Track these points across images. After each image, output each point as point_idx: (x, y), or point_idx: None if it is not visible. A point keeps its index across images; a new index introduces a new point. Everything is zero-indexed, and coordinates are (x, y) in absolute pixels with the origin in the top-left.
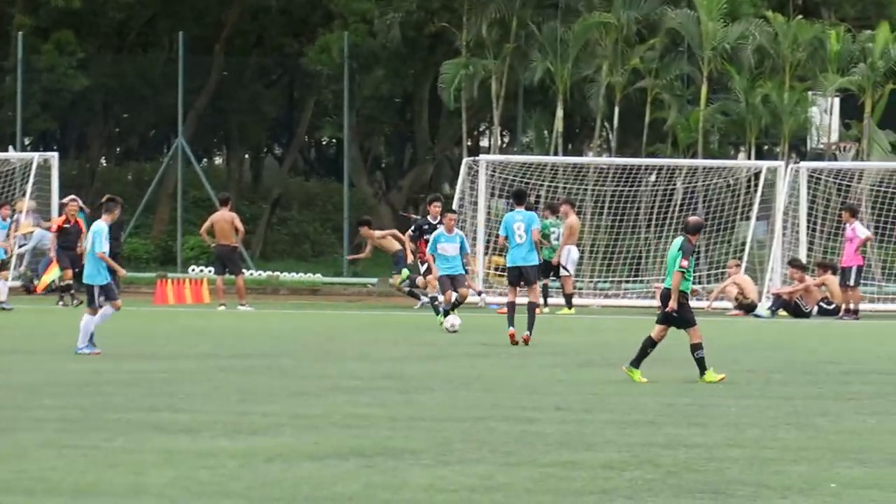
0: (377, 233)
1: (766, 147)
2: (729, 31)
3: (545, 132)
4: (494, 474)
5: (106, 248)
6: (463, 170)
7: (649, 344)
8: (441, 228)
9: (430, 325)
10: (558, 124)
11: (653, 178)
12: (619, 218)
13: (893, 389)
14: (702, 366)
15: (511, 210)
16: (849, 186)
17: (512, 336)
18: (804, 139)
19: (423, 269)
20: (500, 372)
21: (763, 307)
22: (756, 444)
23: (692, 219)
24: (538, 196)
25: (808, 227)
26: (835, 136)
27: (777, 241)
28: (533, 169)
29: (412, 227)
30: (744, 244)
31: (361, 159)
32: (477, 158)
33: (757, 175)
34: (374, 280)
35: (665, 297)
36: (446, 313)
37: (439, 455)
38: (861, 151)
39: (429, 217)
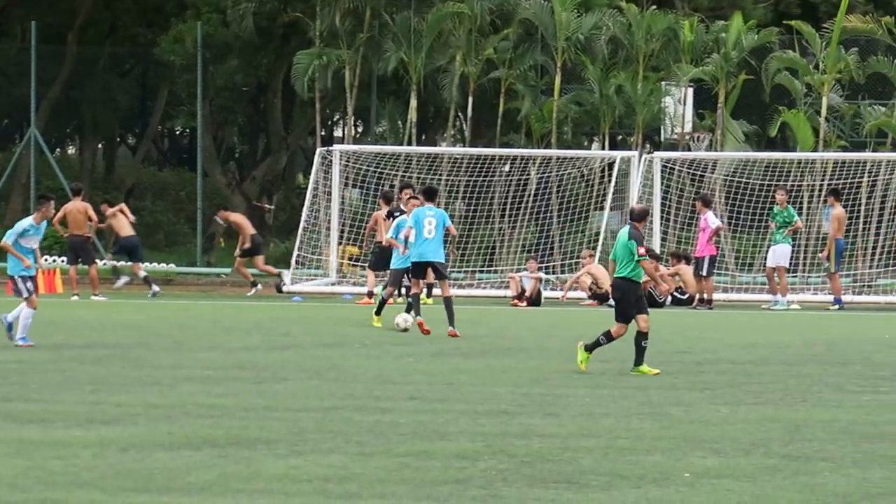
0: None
1: (619, 137)
2: (583, 22)
3: (399, 122)
4: (348, 464)
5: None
6: (317, 160)
7: (643, 338)
8: (406, 215)
9: (284, 316)
10: (412, 114)
11: (507, 168)
12: (473, 208)
13: (746, 379)
14: (640, 356)
15: (399, 205)
16: (702, 176)
17: (422, 325)
18: (658, 129)
19: None
20: (353, 362)
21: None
22: (610, 434)
23: (637, 206)
24: (391, 186)
25: (661, 217)
26: (688, 127)
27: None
28: (387, 159)
29: (386, 216)
30: (598, 234)
31: (215, 149)
32: (331, 148)
33: (611, 165)
34: (228, 270)
35: (615, 287)
36: (381, 307)
37: (293, 445)
38: (714, 141)
39: (402, 205)
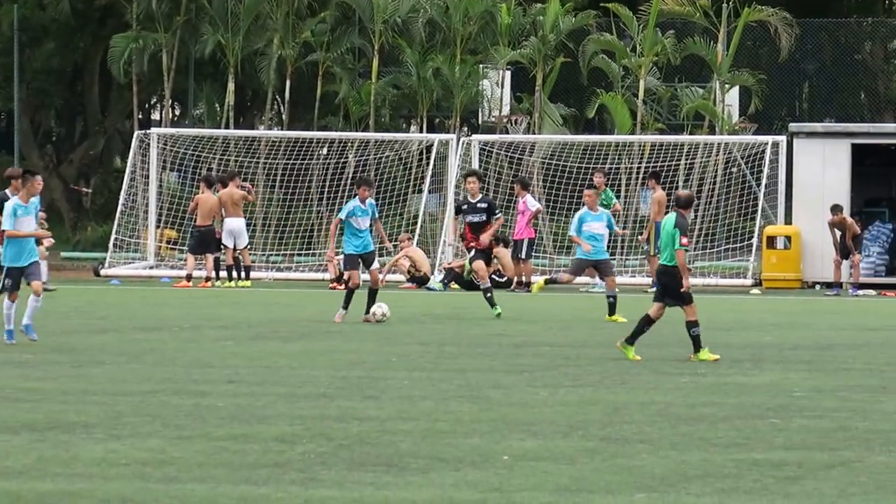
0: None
1: (437, 120)
2: (400, 5)
3: (217, 105)
4: (166, 448)
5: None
6: (134, 143)
7: (646, 322)
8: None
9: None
10: (230, 97)
11: (325, 151)
12: (291, 191)
13: (564, 362)
14: (697, 344)
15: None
16: (520, 159)
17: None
18: (476, 112)
19: (470, 254)
20: (171, 345)
21: (435, 280)
22: (429, 417)
23: (683, 192)
24: (209, 169)
25: None
26: (506, 110)
27: (449, 215)
28: (204, 142)
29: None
30: (416, 217)
31: (32, 132)
32: (148, 132)
33: (429, 148)
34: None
35: (661, 273)
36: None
37: (111, 429)
38: (532, 124)
39: (468, 196)
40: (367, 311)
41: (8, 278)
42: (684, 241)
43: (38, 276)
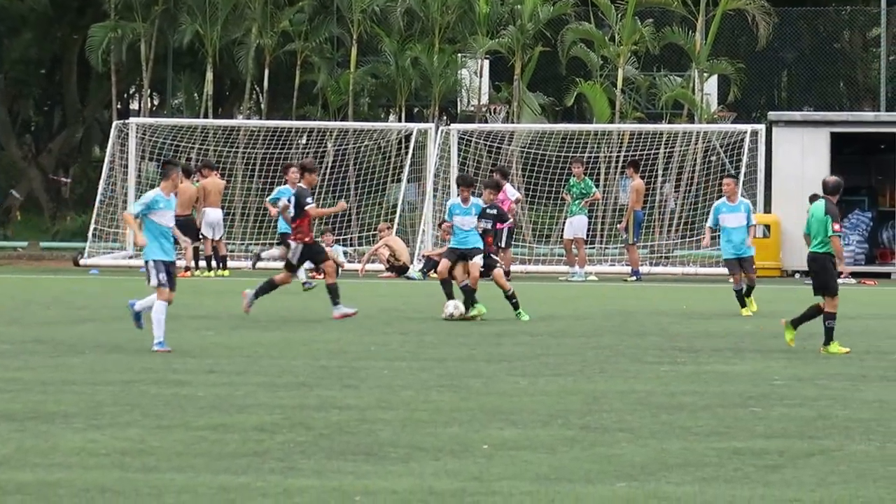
0: None
1: (416, 109)
2: None
3: (195, 95)
4: (146, 437)
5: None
6: (113, 133)
7: (816, 311)
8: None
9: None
10: (208, 87)
11: (303, 140)
12: (270, 181)
13: (544, 351)
14: (829, 336)
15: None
16: (499, 148)
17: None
18: (454, 101)
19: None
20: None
21: (415, 269)
22: (408, 407)
23: (830, 179)
24: (188, 159)
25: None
26: (485, 99)
27: (428, 203)
28: (183, 132)
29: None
30: (395, 206)
31: (10, 122)
32: (127, 121)
33: (408, 137)
34: (25, 243)
35: (811, 261)
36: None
37: (90, 419)
38: (511, 113)
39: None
40: (466, 310)
41: (162, 273)
42: (837, 227)
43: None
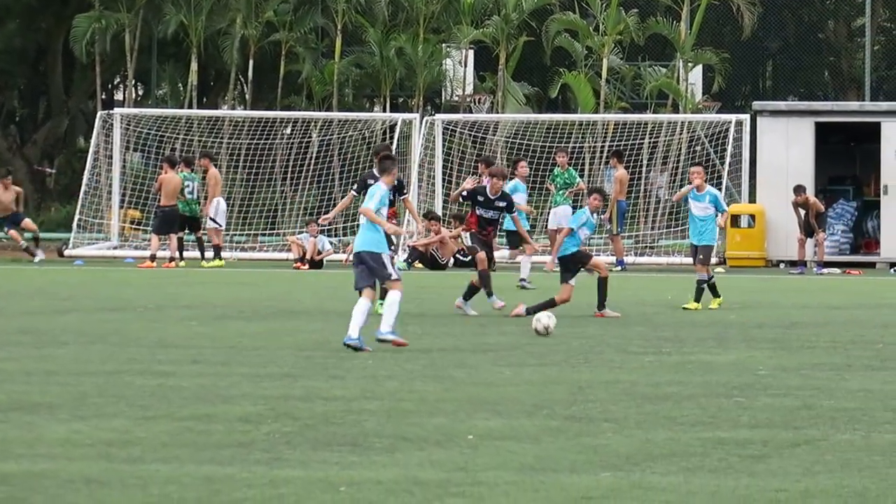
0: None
1: (401, 100)
2: None
3: (180, 85)
4: (131, 428)
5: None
6: (97, 123)
7: None
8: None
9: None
10: (193, 77)
11: (288, 130)
12: (254, 171)
13: (529, 341)
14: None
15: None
16: (483, 138)
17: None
18: (439, 91)
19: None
20: (135, 326)
21: (399, 260)
22: (393, 397)
23: None
24: (173, 149)
25: (443, 179)
26: (469, 89)
27: (413, 194)
28: (168, 122)
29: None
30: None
31: None
32: (111, 112)
33: (392, 128)
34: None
35: None
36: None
37: (75, 409)
38: (495, 103)
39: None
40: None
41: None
42: None
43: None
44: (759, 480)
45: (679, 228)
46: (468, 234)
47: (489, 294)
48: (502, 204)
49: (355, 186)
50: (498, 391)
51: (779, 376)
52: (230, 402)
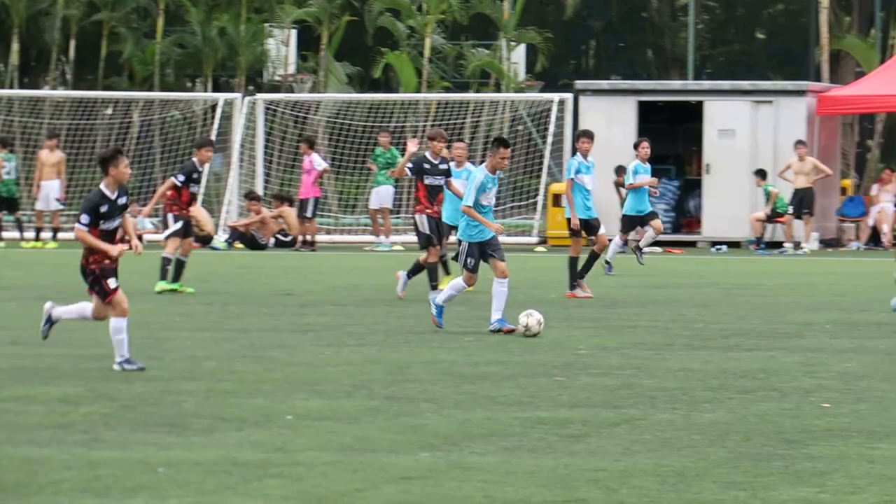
0: None
1: (223, 79)
2: None
3: (1, 66)
4: None
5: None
6: None
7: None
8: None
9: None
10: (14, 58)
11: (109, 111)
12: (75, 151)
13: (349, 321)
14: None
15: None
16: (306, 118)
17: None
18: (261, 71)
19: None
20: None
21: (219, 239)
22: (213, 377)
23: None
24: None
25: (264, 159)
26: (291, 69)
27: (234, 174)
28: None
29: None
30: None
31: None
32: None
33: (214, 108)
34: None
35: None
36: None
37: None
38: (318, 83)
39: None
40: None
41: (469, 257)
42: None
43: (500, 253)
44: (578, 460)
45: (499, 208)
46: (422, 217)
47: (433, 287)
48: (445, 167)
49: (181, 177)
50: (317, 371)
51: (599, 356)
52: (49, 384)
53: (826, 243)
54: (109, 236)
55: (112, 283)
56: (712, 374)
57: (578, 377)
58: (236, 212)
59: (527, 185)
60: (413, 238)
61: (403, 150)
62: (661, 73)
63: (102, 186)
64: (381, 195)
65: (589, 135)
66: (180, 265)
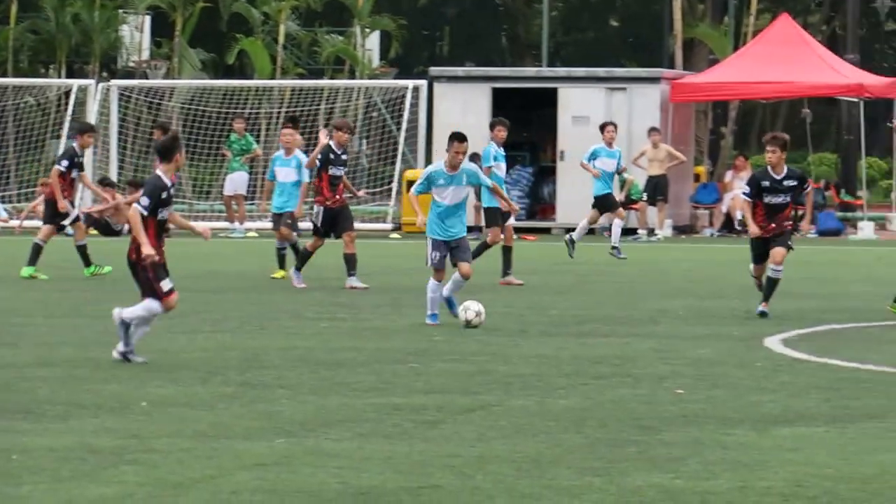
0: None
1: (77, 66)
2: None
3: None
4: None
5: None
6: None
7: None
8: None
9: None
10: None
11: None
12: None
13: (204, 307)
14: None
15: None
16: (160, 104)
17: None
18: (115, 58)
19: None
20: None
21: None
22: (68, 364)
23: None
24: None
25: (119, 145)
26: (145, 55)
27: (88, 160)
28: None
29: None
30: (54, 163)
31: None
32: None
33: (68, 94)
34: None
35: None
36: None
37: None
38: (172, 69)
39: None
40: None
41: (436, 251)
42: None
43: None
44: (433, 446)
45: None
46: (319, 208)
47: (297, 269)
48: (346, 157)
49: (64, 163)
50: (172, 358)
51: (454, 342)
52: None
53: (680, 230)
54: (161, 227)
55: (166, 284)
56: (567, 360)
57: (433, 363)
58: (90, 198)
59: (382, 172)
60: (268, 224)
61: (257, 138)
62: (516, 60)
63: (160, 173)
64: (236, 182)
65: (504, 123)
66: (38, 250)
